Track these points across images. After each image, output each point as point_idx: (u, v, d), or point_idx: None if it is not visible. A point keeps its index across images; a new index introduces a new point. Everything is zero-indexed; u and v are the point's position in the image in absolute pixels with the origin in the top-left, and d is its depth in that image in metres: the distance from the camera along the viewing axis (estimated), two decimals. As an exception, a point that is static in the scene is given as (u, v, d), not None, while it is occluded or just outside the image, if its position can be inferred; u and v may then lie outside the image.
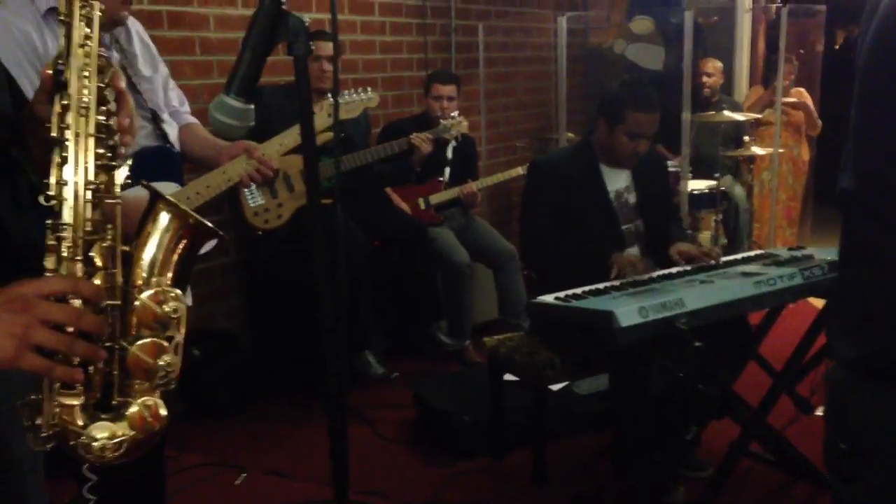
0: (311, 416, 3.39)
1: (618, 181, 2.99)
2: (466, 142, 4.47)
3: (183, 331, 1.07)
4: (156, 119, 2.17)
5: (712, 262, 2.76)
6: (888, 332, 1.10)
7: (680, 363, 2.28)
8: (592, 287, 2.55)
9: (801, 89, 5.76)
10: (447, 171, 4.36)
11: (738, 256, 2.90)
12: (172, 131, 2.27)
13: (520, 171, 4.57)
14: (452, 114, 4.09)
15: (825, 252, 2.84)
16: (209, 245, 1.14)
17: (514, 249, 4.38)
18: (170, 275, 1.08)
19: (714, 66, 5.62)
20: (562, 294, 2.51)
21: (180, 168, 2.21)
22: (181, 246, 1.09)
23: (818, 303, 3.51)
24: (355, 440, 3.22)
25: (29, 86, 1.63)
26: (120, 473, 1.62)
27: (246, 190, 3.33)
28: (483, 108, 5.44)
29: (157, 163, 2.11)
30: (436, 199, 4.27)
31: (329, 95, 3.54)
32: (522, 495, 2.89)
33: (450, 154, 4.35)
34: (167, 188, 2.04)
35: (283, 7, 1.13)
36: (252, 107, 1.13)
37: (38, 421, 0.99)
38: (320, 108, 3.52)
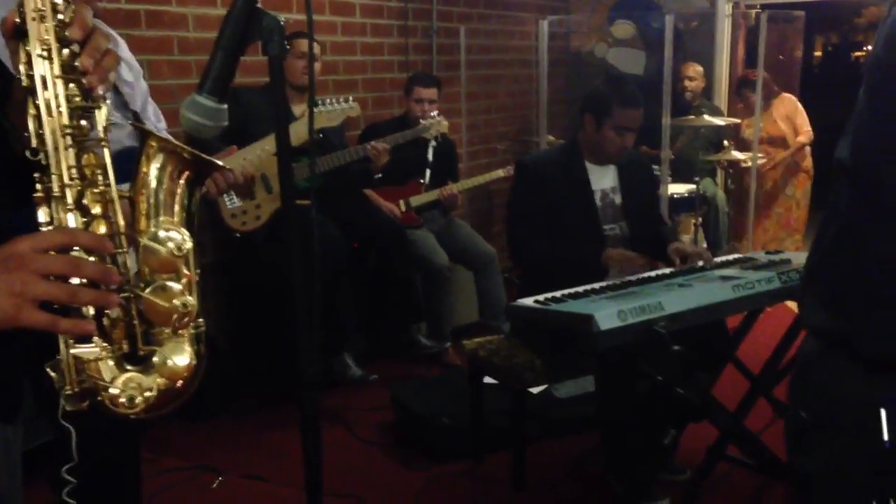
0: (288, 419, 3.35)
1: (604, 181, 3.00)
2: (447, 144, 4.46)
3: (193, 269, 1.04)
4: (137, 120, 2.15)
5: (701, 263, 2.77)
6: (858, 304, 1.11)
7: (659, 367, 2.29)
8: (572, 290, 2.55)
9: (789, 95, 5.76)
10: (427, 172, 4.34)
11: (717, 260, 2.90)
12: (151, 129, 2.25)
13: (500, 173, 4.57)
14: (432, 113, 4.08)
15: (803, 256, 2.85)
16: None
17: (495, 252, 4.38)
18: (173, 214, 1.04)
19: (695, 70, 5.66)
20: (541, 297, 2.51)
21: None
22: (180, 183, 1.05)
23: (795, 307, 3.53)
24: (333, 443, 3.22)
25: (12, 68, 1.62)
26: (97, 476, 1.59)
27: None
28: (464, 110, 5.43)
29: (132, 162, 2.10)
30: (416, 200, 4.25)
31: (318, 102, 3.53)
32: (502, 499, 2.89)
33: (430, 156, 4.33)
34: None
35: (258, 6, 1.12)
36: (225, 107, 1.11)
37: (64, 381, 0.97)
38: (300, 116, 3.51)
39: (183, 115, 1.12)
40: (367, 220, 4.03)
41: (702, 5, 6.23)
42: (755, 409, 2.67)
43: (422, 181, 4.32)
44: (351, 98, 3.62)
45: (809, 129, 5.68)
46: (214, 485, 2.97)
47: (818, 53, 9.64)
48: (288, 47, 1.14)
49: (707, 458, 2.64)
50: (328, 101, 3.57)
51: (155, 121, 2.39)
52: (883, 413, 1.05)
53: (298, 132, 3.18)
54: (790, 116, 5.67)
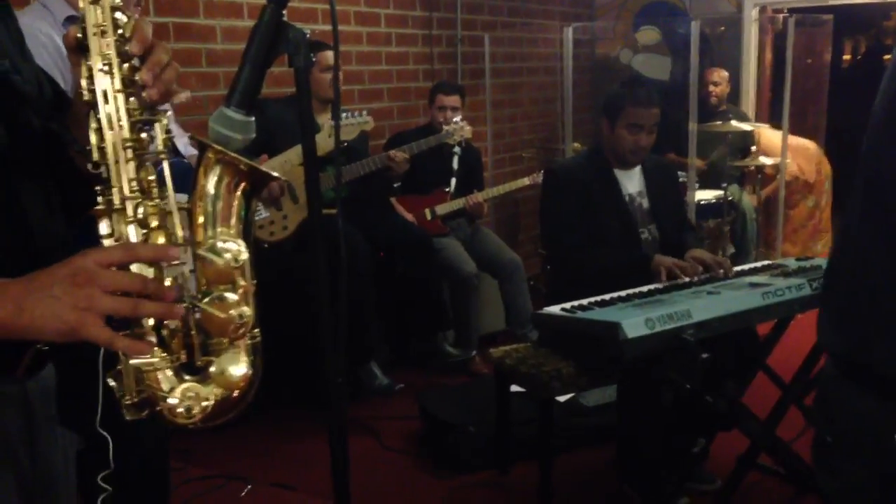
0: (315, 428, 3.37)
1: (631, 185, 3.00)
2: (472, 152, 4.46)
3: (250, 279, 1.05)
4: (168, 131, 2.19)
5: (722, 272, 2.74)
6: (867, 327, 1.11)
7: (687, 375, 2.27)
8: (598, 298, 2.54)
9: (809, 145, 5.69)
10: (453, 181, 4.35)
11: (746, 267, 2.88)
12: (182, 144, 2.29)
13: (526, 181, 4.57)
14: (455, 118, 4.08)
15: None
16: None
17: (520, 260, 4.37)
18: (230, 226, 1.05)
19: (720, 75, 5.61)
20: (568, 305, 2.50)
21: (189, 179, 2.23)
22: (237, 194, 1.05)
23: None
24: (360, 451, 3.22)
25: (63, 84, 1.66)
26: (129, 484, 1.61)
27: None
28: (489, 118, 5.44)
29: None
30: (442, 209, 4.26)
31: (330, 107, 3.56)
32: (529, 508, 2.87)
33: (455, 164, 4.34)
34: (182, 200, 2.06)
35: (284, 19, 1.13)
36: (252, 119, 1.13)
37: (124, 390, 0.99)
38: (323, 128, 3.54)
39: (211, 128, 1.13)
40: (392, 229, 4.04)
41: (728, 10, 6.19)
42: (786, 418, 2.64)
43: (447, 190, 4.32)
44: (365, 112, 3.66)
45: (797, 159, 5.60)
46: (243, 493, 2.98)
47: (847, 57, 9.52)
48: (314, 59, 1.15)
49: (737, 467, 2.60)
50: (344, 115, 3.60)
51: (178, 137, 2.44)
52: None
53: (319, 143, 3.23)
54: (769, 153, 5.59)
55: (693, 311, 2.23)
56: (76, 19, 2.29)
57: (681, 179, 4.08)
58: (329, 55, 3.66)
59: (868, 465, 1.11)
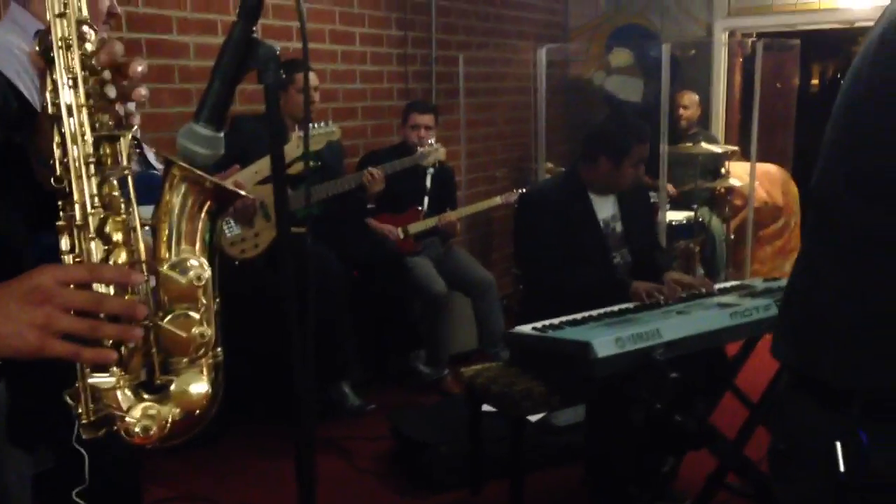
0: (283, 448, 3.33)
1: (605, 210, 3.03)
2: (445, 171, 4.48)
3: (212, 299, 1.04)
4: (139, 144, 2.18)
5: (704, 290, 2.80)
6: (813, 339, 1.15)
7: (657, 394, 2.28)
8: (570, 317, 2.55)
9: (772, 169, 5.77)
10: (426, 200, 4.36)
11: (715, 287, 2.91)
12: (152, 155, 2.28)
13: (498, 200, 4.58)
14: (430, 141, 4.10)
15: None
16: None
17: (493, 278, 4.38)
18: (194, 244, 1.04)
19: (690, 98, 5.69)
20: (539, 324, 2.51)
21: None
22: (203, 212, 1.04)
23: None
24: (331, 472, 3.20)
25: (28, 96, 1.65)
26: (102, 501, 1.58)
27: (223, 219, 3.33)
28: (463, 137, 5.46)
29: (140, 188, 2.12)
30: (414, 228, 4.26)
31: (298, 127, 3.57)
32: (499, 528, 2.86)
33: (428, 183, 4.35)
34: (149, 212, 2.05)
35: (255, 35, 1.13)
36: (221, 135, 1.12)
37: (80, 409, 0.97)
38: (292, 138, 3.54)
39: (179, 144, 1.12)
40: (366, 248, 4.03)
41: (698, 33, 6.29)
42: (754, 437, 2.65)
43: (420, 208, 4.33)
44: (331, 122, 3.66)
45: (760, 192, 5.71)
46: (210, 514, 2.94)
47: (815, 82, 9.70)
48: (283, 77, 1.14)
49: (706, 486, 2.61)
50: (312, 125, 3.60)
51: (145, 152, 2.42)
52: (838, 446, 1.09)
53: (287, 153, 3.23)
54: (784, 189, 5.70)
55: (663, 331, 2.25)
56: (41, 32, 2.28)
57: (652, 200, 4.13)
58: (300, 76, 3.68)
59: (819, 473, 1.13)
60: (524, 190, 3.61)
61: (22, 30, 2.22)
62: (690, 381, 2.30)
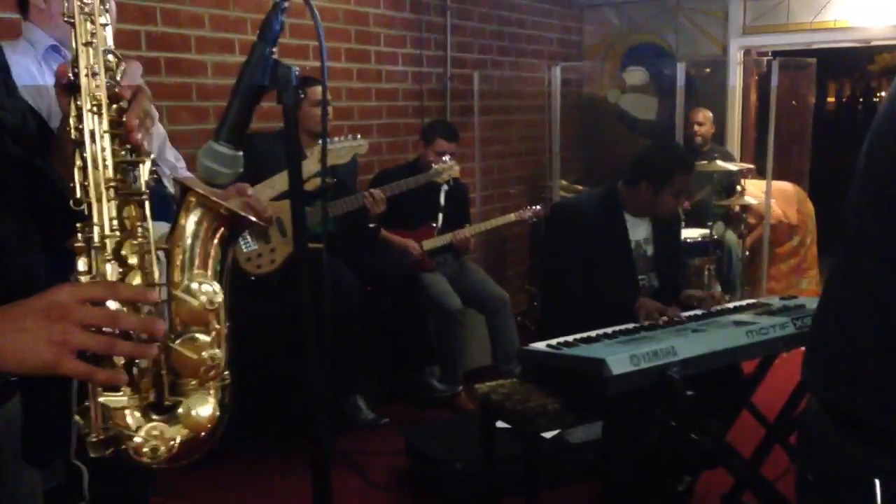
0: (297, 463, 3.34)
1: (638, 232, 3.03)
2: (459, 187, 4.49)
3: (223, 322, 1.06)
4: (155, 164, 2.22)
5: (716, 305, 2.80)
6: (852, 378, 1.12)
7: (672, 412, 2.27)
8: (584, 335, 2.55)
9: (787, 187, 5.77)
10: (440, 216, 4.37)
11: (730, 305, 2.90)
12: (163, 174, 2.31)
13: (512, 217, 4.59)
14: (444, 158, 4.11)
15: (817, 301, 2.84)
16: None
17: (507, 295, 4.38)
18: (207, 268, 1.06)
19: (704, 115, 5.69)
20: (554, 341, 2.51)
21: (171, 210, 2.24)
22: (216, 238, 1.06)
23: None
24: (344, 486, 3.19)
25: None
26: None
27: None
28: (478, 155, 5.49)
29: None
30: (429, 244, 4.27)
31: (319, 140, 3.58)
32: (513, 546, 2.85)
33: (442, 200, 4.36)
34: (159, 228, 2.07)
35: (274, 56, 1.15)
36: (240, 154, 1.14)
37: (89, 427, 0.98)
38: (311, 153, 3.57)
39: (200, 163, 1.15)
40: (380, 263, 4.05)
41: (714, 52, 6.30)
42: (771, 457, 2.64)
43: (434, 225, 4.34)
44: (359, 135, 3.66)
45: (776, 210, 5.69)
46: (224, 529, 2.95)
47: (831, 100, 9.68)
48: (302, 96, 1.16)
49: (722, 506, 2.60)
50: (336, 139, 3.61)
51: (174, 162, 2.45)
52: (877, 483, 1.08)
53: (307, 168, 3.24)
54: (800, 207, 5.68)
55: (678, 349, 2.24)
56: (58, 49, 2.33)
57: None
58: (318, 89, 3.69)
59: None
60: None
61: (34, 49, 2.28)
62: (706, 399, 2.29)
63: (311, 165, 3.32)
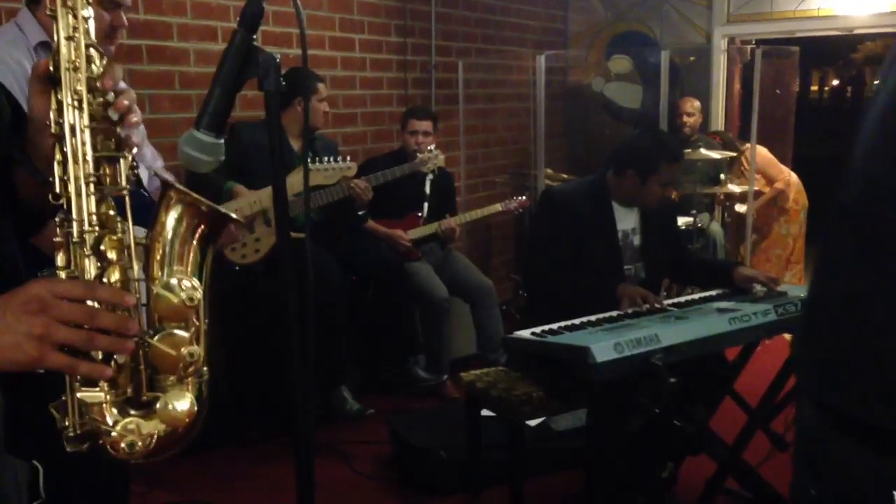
0: (283, 453, 3.33)
1: (626, 221, 3.02)
2: (444, 177, 4.48)
3: (203, 319, 1.05)
4: (136, 165, 2.21)
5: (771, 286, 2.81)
6: (867, 379, 1.03)
7: (655, 399, 2.29)
8: (569, 322, 2.56)
9: (757, 147, 5.76)
10: (425, 206, 4.37)
11: (714, 293, 2.91)
12: (145, 175, 2.29)
13: (498, 207, 4.59)
14: (429, 147, 4.11)
15: (799, 289, 2.86)
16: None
17: (492, 284, 4.38)
18: (187, 265, 1.06)
19: (693, 105, 5.70)
20: (538, 329, 2.51)
21: (151, 213, 2.24)
22: (196, 234, 1.06)
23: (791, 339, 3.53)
24: (330, 476, 3.20)
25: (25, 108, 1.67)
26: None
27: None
28: (462, 143, 5.48)
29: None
30: (414, 234, 4.27)
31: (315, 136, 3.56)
32: (499, 533, 2.86)
33: (427, 189, 4.36)
34: (137, 232, 2.07)
35: (255, 43, 1.14)
36: (222, 142, 1.13)
37: (66, 422, 0.98)
38: (299, 150, 3.55)
39: (181, 151, 1.14)
40: (365, 253, 4.04)
41: (698, 40, 6.31)
42: (753, 442, 2.66)
43: (420, 214, 4.34)
44: (349, 158, 3.67)
45: (784, 174, 5.71)
46: (210, 519, 2.95)
47: (815, 88, 9.74)
48: (284, 84, 1.16)
49: (705, 491, 2.62)
50: (326, 159, 3.60)
51: (152, 161, 2.43)
52: None
53: (294, 183, 3.26)
54: (762, 169, 5.68)
55: (661, 336, 2.25)
56: (48, 45, 2.31)
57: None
58: (318, 87, 3.74)
59: None
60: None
61: (25, 38, 2.26)
62: (689, 386, 2.30)
63: (297, 179, 3.30)
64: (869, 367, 1.02)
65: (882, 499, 1.01)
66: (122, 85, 1.05)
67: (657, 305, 2.69)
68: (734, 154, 5.49)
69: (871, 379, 1.01)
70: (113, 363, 0.99)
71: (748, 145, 5.34)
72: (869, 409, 1.02)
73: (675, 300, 2.85)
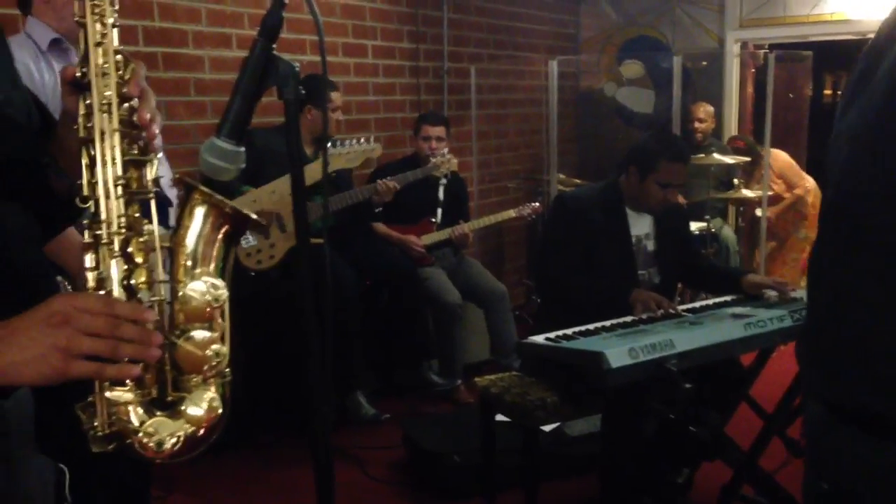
0: (299, 457, 3.35)
1: (640, 227, 3.01)
2: (457, 183, 4.49)
3: (227, 320, 1.07)
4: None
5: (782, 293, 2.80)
6: (870, 371, 1.04)
7: (670, 405, 2.28)
8: (583, 328, 2.56)
9: (778, 152, 5.74)
10: (439, 211, 4.37)
11: (728, 298, 2.91)
12: (165, 183, 2.31)
13: (512, 213, 4.59)
14: (442, 151, 4.12)
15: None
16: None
17: (505, 289, 4.39)
18: (210, 266, 1.07)
19: (706, 111, 5.69)
20: (552, 334, 2.51)
21: (167, 212, 2.26)
22: (219, 236, 1.08)
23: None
24: (345, 481, 3.20)
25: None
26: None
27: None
28: (475, 149, 5.49)
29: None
30: (427, 239, 4.28)
31: (329, 144, 3.58)
32: (513, 539, 2.86)
33: (441, 195, 4.37)
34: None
35: (274, 52, 1.15)
36: (242, 149, 1.15)
37: (95, 423, 0.99)
38: (313, 154, 3.56)
39: (202, 159, 1.15)
40: (379, 258, 4.05)
41: (710, 45, 6.30)
42: (769, 449, 2.65)
43: (433, 220, 4.34)
44: (373, 138, 3.62)
45: (804, 181, 5.69)
46: (225, 523, 2.96)
47: (828, 92, 9.69)
48: (304, 92, 1.17)
49: (721, 497, 2.61)
50: (348, 141, 3.58)
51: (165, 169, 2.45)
52: None
53: (312, 173, 3.23)
54: (782, 174, 5.67)
55: (676, 342, 2.25)
56: (60, 42, 2.34)
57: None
58: (334, 94, 3.74)
59: None
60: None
61: (34, 44, 2.29)
62: (704, 391, 2.30)
63: (315, 170, 3.30)
64: (868, 358, 1.04)
65: (891, 483, 1.02)
66: (145, 85, 1.06)
67: (671, 311, 2.69)
68: (748, 159, 5.47)
69: (872, 370, 1.03)
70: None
71: (771, 150, 5.34)
72: (874, 400, 1.03)
73: (690, 305, 2.84)
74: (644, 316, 2.66)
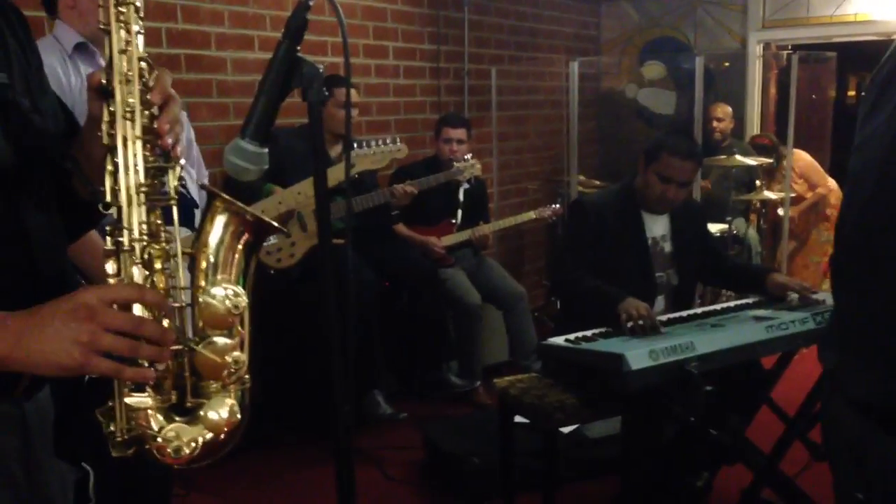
0: (318, 456, 3.37)
1: (656, 228, 3.01)
2: (478, 184, 4.49)
3: (247, 327, 1.08)
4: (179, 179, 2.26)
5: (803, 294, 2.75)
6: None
7: (691, 408, 2.27)
8: (603, 329, 2.55)
9: (800, 152, 5.68)
10: (459, 213, 4.38)
11: (750, 300, 2.89)
12: (190, 178, 2.33)
13: (532, 215, 4.59)
14: (466, 156, 4.12)
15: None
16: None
17: (524, 291, 4.38)
18: (231, 273, 1.08)
19: (724, 110, 5.66)
20: (572, 336, 2.51)
21: (193, 214, 2.27)
22: (241, 243, 1.09)
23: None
24: (363, 481, 3.20)
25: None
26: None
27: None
28: (495, 150, 5.49)
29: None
30: (447, 240, 4.28)
31: (355, 144, 3.56)
32: (532, 540, 2.86)
33: (461, 197, 4.37)
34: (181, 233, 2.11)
35: (299, 54, 1.16)
36: (266, 150, 1.16)
37: (113, 427, 1.01)
38: (337, 156, 3.56)
39: (227, 160, 1.16)
40: (398, 259, 4.06)
41: (733, 46, 6.26)
42: (790, 452, 2.63)
43: (453, 221, 4.35)
44: (399, 139, 3.61)
45: (826, 182, 5.64)
46: (245, 522, 2.98)
47: (852, 93, 9.60)
48: (327, 94, 1.18)
49: (741, 501, 2.59)
50: (373, 142, 3.56)
51: (197, 167, 2.47)
52: None
53: (337, 174, 3.24)
54: (805, 174, 5.62)
55: (697, 344, 2.24)
56: (86, 46, 2.36)
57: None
58: (343, 90, 3.71)
59: None
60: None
61: (61, 47, 2.33)
62: (725, 394, 2.28)
63: (339, 172, 3.29)
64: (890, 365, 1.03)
65: None
66: (171, 91, 1.07)
67: (650, 327, 2.50)
68: (770, 160, 5.43)
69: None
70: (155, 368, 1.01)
71: (794, 150, 5.29)
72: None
73: (711, 308, 2.83)
74: (629, 325, 2.52)
